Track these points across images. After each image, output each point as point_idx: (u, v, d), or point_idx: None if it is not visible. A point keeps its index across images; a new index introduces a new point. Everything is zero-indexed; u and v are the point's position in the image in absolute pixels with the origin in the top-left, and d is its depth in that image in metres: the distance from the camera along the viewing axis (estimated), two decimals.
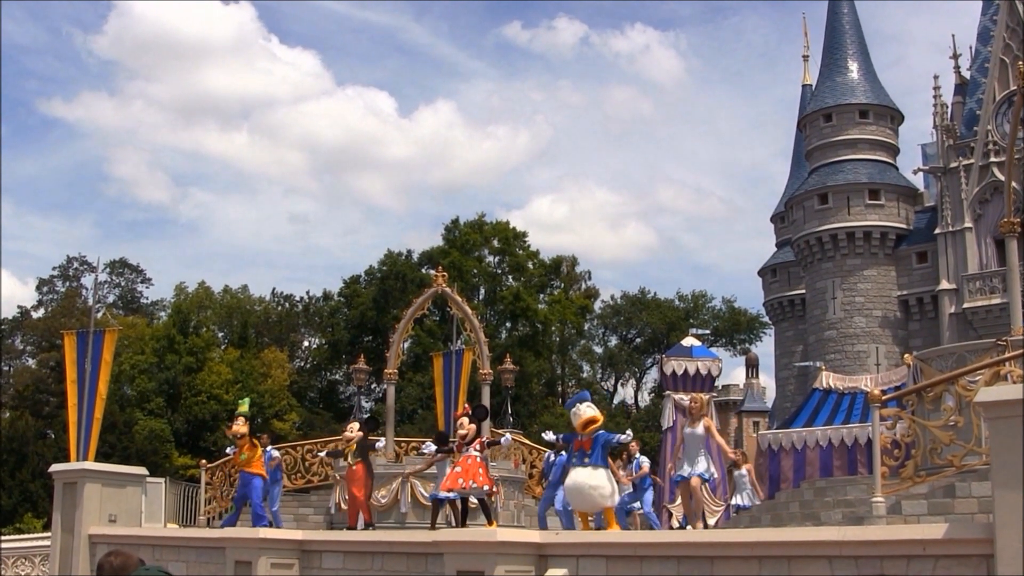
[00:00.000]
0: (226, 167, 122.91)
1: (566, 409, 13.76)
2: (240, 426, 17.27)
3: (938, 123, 49.68)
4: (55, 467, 20.58)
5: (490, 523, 14.39)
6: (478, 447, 14.55)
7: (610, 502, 12.71)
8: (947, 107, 50.29)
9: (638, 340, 77.01)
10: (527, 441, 28.58)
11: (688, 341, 25.15)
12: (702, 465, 14.26)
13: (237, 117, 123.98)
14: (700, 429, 14.33)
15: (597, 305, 76.70)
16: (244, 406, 18.03)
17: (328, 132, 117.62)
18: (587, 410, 12.64)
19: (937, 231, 48.99)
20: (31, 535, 32.66)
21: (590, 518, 13.74)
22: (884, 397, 12.10)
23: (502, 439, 15.94)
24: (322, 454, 23.61)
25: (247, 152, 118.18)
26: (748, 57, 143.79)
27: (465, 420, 14.73)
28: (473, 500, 14.74)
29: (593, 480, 12.41)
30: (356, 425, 17.44)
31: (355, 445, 16.85)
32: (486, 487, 14.38)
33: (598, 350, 76.88)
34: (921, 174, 52.17)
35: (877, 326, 50.46)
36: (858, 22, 55.34)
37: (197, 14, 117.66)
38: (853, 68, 53.60)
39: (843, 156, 52.12)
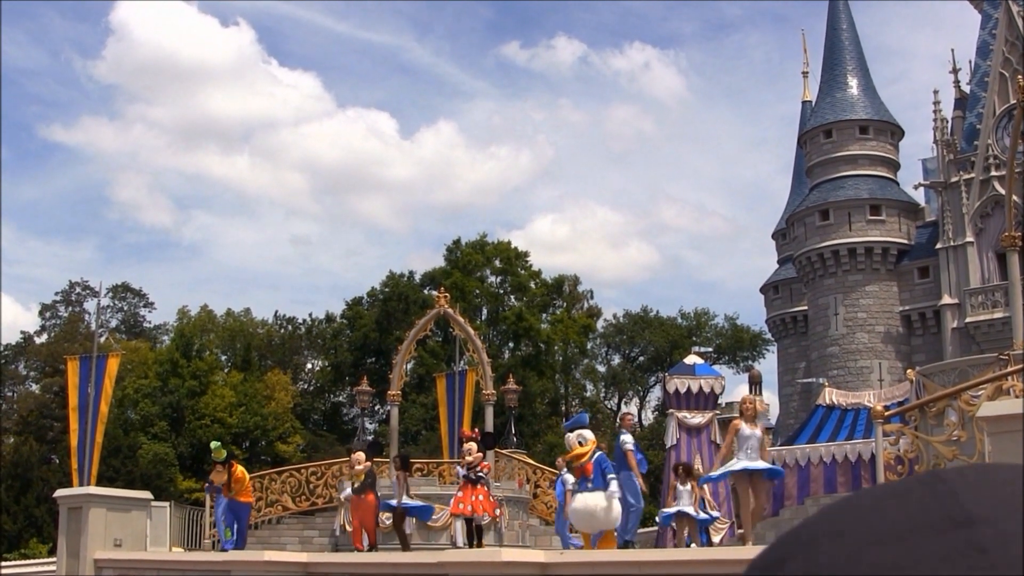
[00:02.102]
0: (228, 190, 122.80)
1: (564, 429, 13.95)
2: (217, 474, 18.47)
3: (938, 138, 49.72)
4: (60, 492, 20.59)
5: (480, 547, 14.50)
6: (483, 472, 14.66)
7: (611, 524, 12.88)
8: (947, 121, 50.34)
9: (641, 358, 76.83)
10: (531, 461, 28.57)
11: (691, 359, 25.06)
12: (762, 463, 13.50)
13: (238, 140, 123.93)
14: (759, 431, 13.69)
15: (600, 324, 76.59)
16: (219, 452, 18.74)
17: (330, 154, 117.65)
18: (575, 441, 12.90)
19: (938, 246, 49.02)
20: (36, 560, 32.64)
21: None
22: (887, 413, 12.12)
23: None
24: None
25: (248, 174, 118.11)
26: (749, 74, 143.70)
27: (474, 446, 14.77)
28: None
29: (595, 503, 12.61)
30: (362, 456, 17.42)
31: (363, 475, 16.91)
32: (486, 516, 14.52)
33: (601, 369, 76.69)
34: (922, 189, 52.16)
35: (880, 342, 50.43)
36: (857, 38, 55.50)
37: (196, 37, 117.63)
38: (853, 84, 53.73)
39: (844, 172, 52.18)
